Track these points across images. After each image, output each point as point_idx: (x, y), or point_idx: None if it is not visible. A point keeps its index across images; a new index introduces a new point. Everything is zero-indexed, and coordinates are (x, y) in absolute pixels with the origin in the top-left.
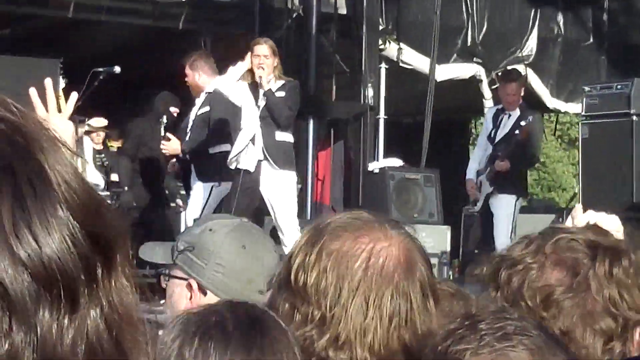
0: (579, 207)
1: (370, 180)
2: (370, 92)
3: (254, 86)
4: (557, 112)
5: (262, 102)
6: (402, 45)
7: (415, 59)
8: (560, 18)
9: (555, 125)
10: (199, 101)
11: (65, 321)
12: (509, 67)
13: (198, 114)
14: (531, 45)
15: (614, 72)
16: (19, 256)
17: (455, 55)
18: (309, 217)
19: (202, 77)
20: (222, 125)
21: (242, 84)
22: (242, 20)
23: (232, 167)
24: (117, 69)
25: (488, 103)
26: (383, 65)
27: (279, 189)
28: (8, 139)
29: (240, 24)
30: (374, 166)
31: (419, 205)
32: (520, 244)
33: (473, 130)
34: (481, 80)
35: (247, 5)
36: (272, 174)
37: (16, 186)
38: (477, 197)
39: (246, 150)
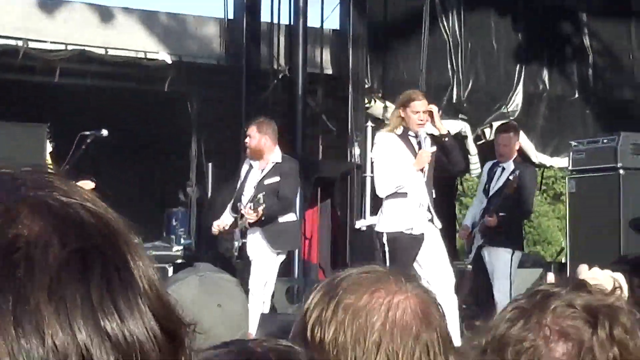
0: (584, 266)
1: (358, 238)
2: (356, 150)
3: None
4: (542, 166)
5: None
6: (387, 103)
7: None
8: (545, 74)
9: (541, 180)
10: (261, 168)
11: None
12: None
13: (265, 183)
14: (517, 101)
15: (600, 127)
16: (104, 328)
17: (440, 112)
18: (296, 276)
19: (267, 142)
20: (291, 195)
21: None
22: (228, 82)
23: None
24: (105, 132)
25: (473, 159)
26: (369, 124)
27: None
28: (96, 226)
29: (226, 86)
30: (361, 224)
31: None
32: (514, 315)
33: (459, 187)
34: (466, 137)
35: (233, 67)
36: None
37: (104, 267)
38: (470, 245)
39: None
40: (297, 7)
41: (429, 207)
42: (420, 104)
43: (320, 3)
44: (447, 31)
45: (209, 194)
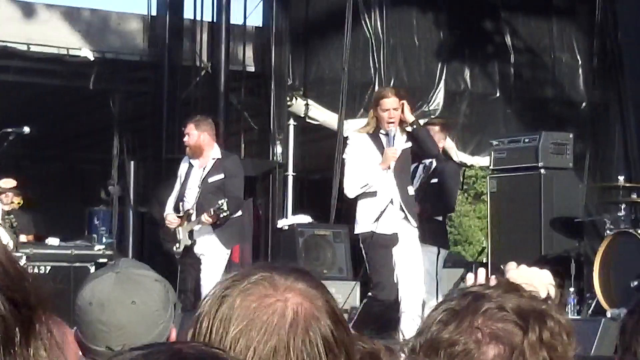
0: (512, 263)
1: (280, 237)
2: (278, 149)
3: None
4: (463, 165)
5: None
6: (309, 101)
7: (322, 115)
8: (467, 72)
9: (463, 179)
10: (202, 166)
11: None
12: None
13: (209, 181)
14: (438, 99)
15: (521, 125)
16: None
17: (362, 110)
18: None
19: (206, 139)
20: (239, 193)
21: None
22: (151, 79)
23: None
24: (26, 129)
25: None
26: (291, 122)
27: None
28: None
29: (149, 83)
30: (283, 223)
31: (329, 261)
32: (445, 317)
33: None
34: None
35: (156, 63)
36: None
37: None
38: None
39: None
40: (220, 4)
41: (401, 205)
42: (389, 102)
43: (243, 0)
44: (370, 28)
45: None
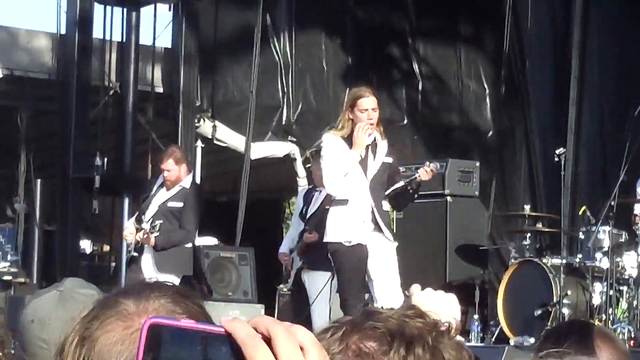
0: (416, 286)
1: None
2: None
3: None
4: None
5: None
6: (217, 122)
7: (230, 137)
8: None
9: None
10: (166, 192)
11: None
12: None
13: (168, 205)
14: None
15: (429, 152)
16: None
17: (270, 133)
18: None
19: (183, 170)
20: (193, 226)
21: None
22: (59, 97)
23: None
24: None
25: (302, 181)
26: (199, 144)
27: None
28: None
29: (57, 101)
30: None
31: (234, 283)
32: (331, 329)
33: (287, 210)
34: (295, 159)
35: (64, 82)
36: None
37: None
38: (289, 269)
39: None
40: (129, 24)
41: (374, 217)
42: (368, 101)
43: (152, 20)
44: (278, 51)
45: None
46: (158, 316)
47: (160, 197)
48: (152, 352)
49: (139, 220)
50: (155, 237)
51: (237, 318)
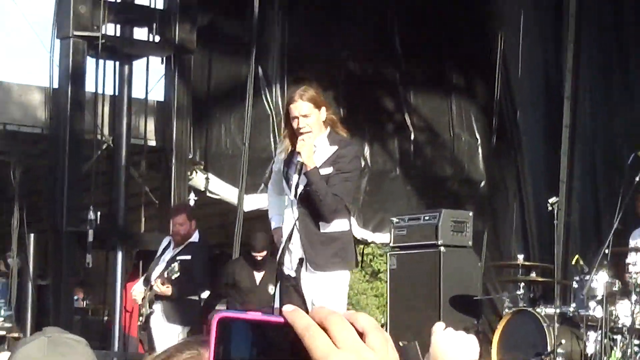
0: (439, 324)
1: None
2: None
3: None
4: (364, 242)
5: None
6: (210, 175)
7: (223, 189)
8: (367, 149)
9: (362, 257)
10: (173, 249)
11: None
12: None
13: (177, 259)
14: None
15: (422, 202)
16: None
17: (263, 185)
18: (116, 348)
19: (194, 226)
20: (203, 277)
21: None
22: (52, 151)
23: None
24: None
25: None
26: (192, 197)
27: None
28: None
29: (50, 155)
30: None
31: None
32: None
33: None
34: None
35: (56, 136)
36: None
37: None
38: None
39: None
40: (122, 78)
41: (301, 240)
42: (296, 107)
43: (145, 74)
44: (271, 104)
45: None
46: (226, 311)
47: (168, 255)
48: (222, 344)
49: (147, 282)
50: (175, 277)
51: (297, 309)
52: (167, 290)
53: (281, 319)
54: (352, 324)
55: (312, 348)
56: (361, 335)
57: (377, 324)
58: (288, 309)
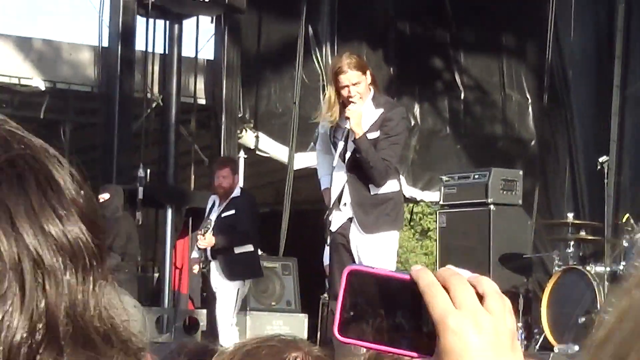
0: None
1: None
2: None
3: None
4: (413, 200)
5: None
6: (259, 133)
7: (273, 148)
8: (416, 108)
9: (411, 215)
10: (219, 203)
11: (89, 291)
12: None
13: (222, 216)
14: None
15: (471, 162)
16: (49, 232)
17: (312, 143)
18: (165, 306)
19: (237, 180)
20: (248, 227)
21: None
22: (101, 110)
23: None
24: None
25: None
26: (242, 154)
27: None
28: (19, 140)
29: (100, 114)
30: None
31: (277, 293)
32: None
33: None
34: None
35: (106, 94)
36: None
37: (36, 177)
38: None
39: None
40: (172, 36)
41: (351, 203)
42: (346, 77)
43: (195, 33)
44: (321, 63)
45: None
46: (358, 264)
47: (214, 214)
48: (350, 295)
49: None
50: (209, 232)
51: (424, 267)
52: (211, 239)
53: (407, 276)
54: (474, 286)
55: (432, 306)
56: (481, 298)
57: (497, 289)
58: (416, 268)
